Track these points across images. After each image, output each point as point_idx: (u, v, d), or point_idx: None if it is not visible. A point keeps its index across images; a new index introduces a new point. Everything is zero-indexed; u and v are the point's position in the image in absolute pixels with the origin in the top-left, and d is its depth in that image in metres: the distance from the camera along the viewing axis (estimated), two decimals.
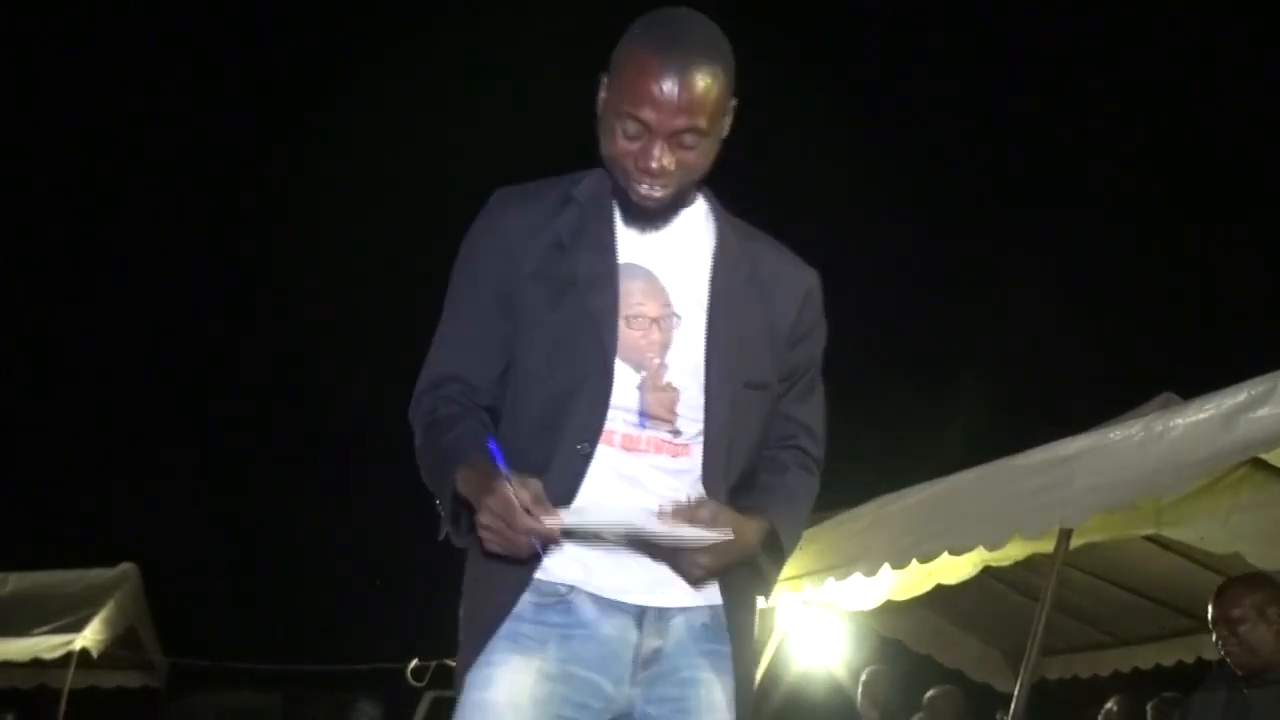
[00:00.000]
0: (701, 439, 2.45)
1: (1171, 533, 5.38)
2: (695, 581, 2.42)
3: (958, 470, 5.33)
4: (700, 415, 2.45)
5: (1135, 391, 5.93)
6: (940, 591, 6.37)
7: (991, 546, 5.06)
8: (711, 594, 2.48)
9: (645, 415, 2.43)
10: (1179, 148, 15.66)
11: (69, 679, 9.92)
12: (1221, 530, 5.17)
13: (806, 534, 6.18)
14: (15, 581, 10.25)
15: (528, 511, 2.24)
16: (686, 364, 2.46)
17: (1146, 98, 16.18)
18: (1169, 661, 7.83)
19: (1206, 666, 5.80)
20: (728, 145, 2.43)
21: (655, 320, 2.46)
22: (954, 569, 5.88)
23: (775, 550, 2.52)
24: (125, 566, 10.64)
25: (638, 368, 2.43)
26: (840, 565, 5.89)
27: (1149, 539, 6.04)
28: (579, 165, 2.55)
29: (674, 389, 2.45)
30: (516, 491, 2.25)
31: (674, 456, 2.44)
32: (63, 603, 9.92)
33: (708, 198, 2.58)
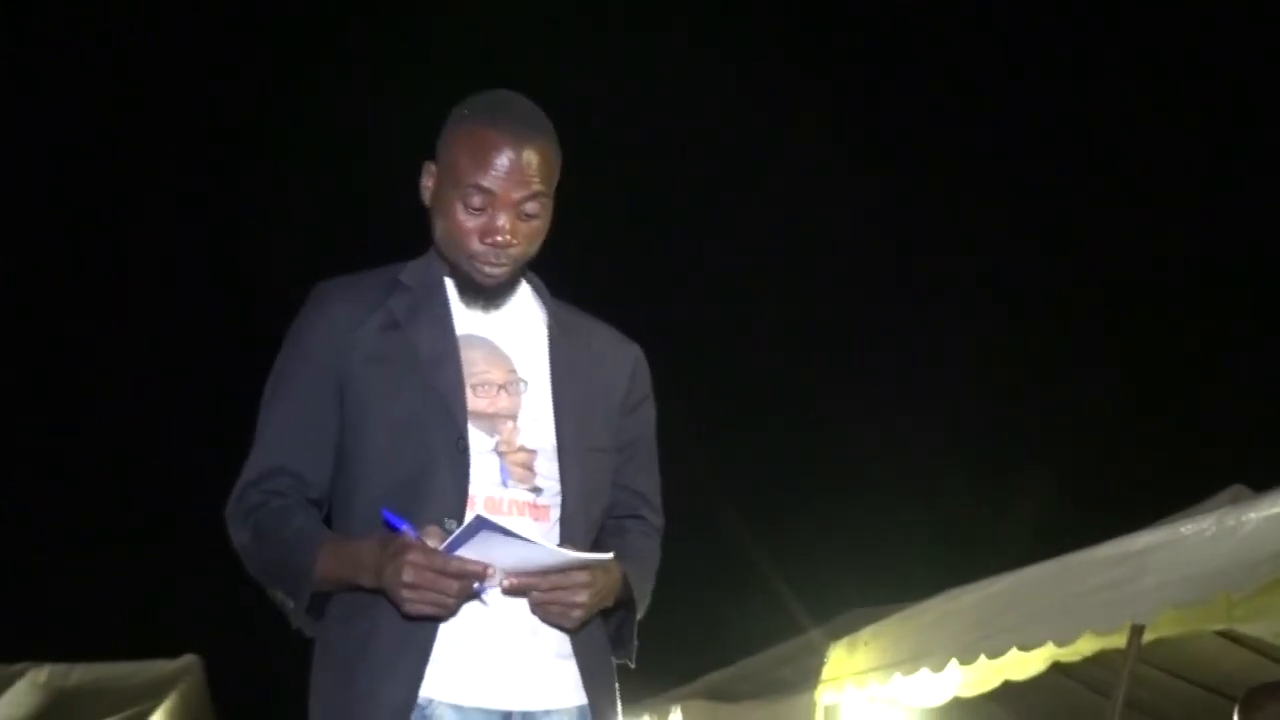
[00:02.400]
0: (559, 500, 2.46)
1: (1245, 628, 5.32)
2: (573, 625, 2.36)
3: (1024, 564, 5.27)
4: (556, 475, 2.46)
5: (1203, 482, 5.87)
6: (1009, 688, 6.26)
7: (1061, 642, 5.00)
8: (575, 694, 2.47)
9: (506, 475, 2.43)
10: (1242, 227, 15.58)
11: None
12: None
13: (872, 628, 6.31)
14: (79, 673, 10.26)
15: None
16: (538, 426, 2.47)
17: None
18: None
19: None
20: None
21: (502, 386, 2.48)
22: (1023, 665, 5.78)
23: (629, 603, 2.51)
24: (188, 658, 10.62)
25: (491, 432, 2.44)
26: (906, 661, 5.83)
27: (1221, 634, 5.95)
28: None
29: (529, 451, 2.46)
30: (427, 540, 2.23)
31: (535, 520, 2.44)
32: (125, 695, 9.91)
33: (532, 281, 2.63)
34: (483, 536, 2.19)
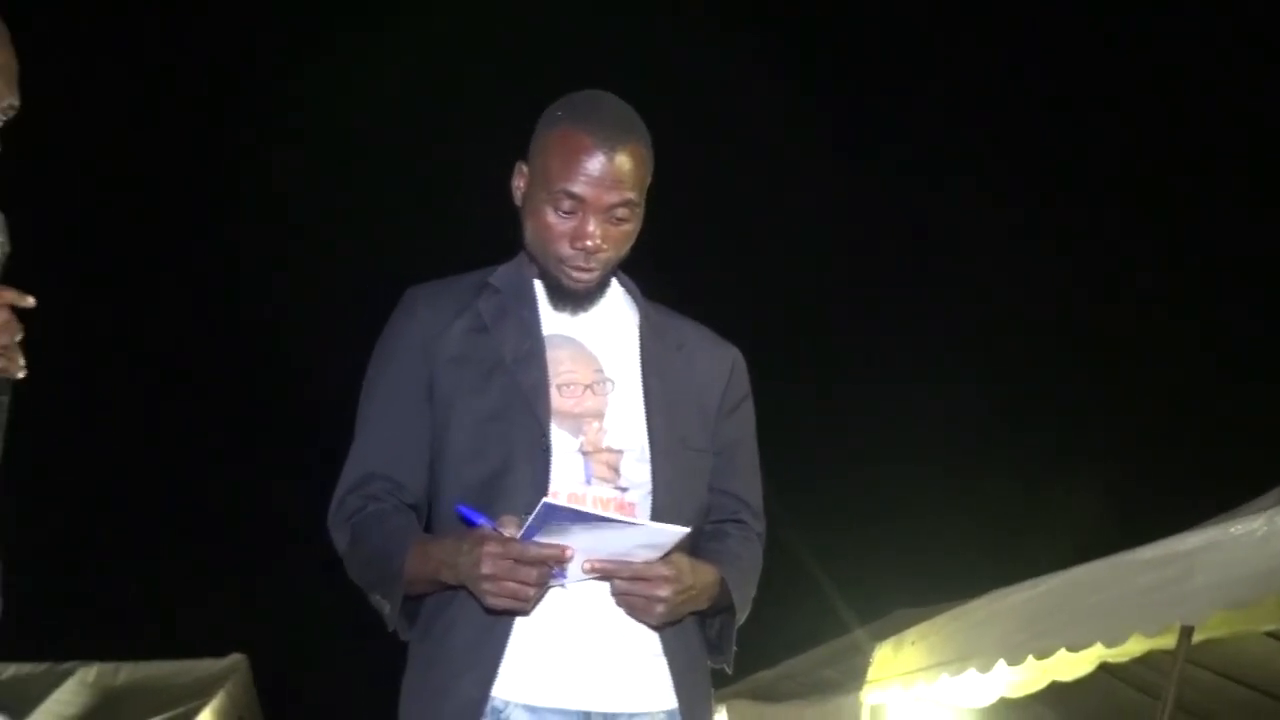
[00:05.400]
0: (649, 498, 2.43)
1: None
2: (656, 620, 2.34)
3: (1072, 564, 5.24)
4: (646, 474, 2.44)
5: (1253, 481, 5.80)
6: (1056, 689, 6.20)
7: (1110, 643, 4.95)
8: (665, 697, 2.43)
9: (590, 474, 2.42)
10: None
11: None
12: None
13: (919, 628, 6.29)
14: (127, 672, 10.33)
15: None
16: (626, 426, 2.46)
17: None
18: None
19: None
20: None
21: (588, 386, 2.47)
22: (1071, 665, 5.72)
23: (727, 606, 2.48)
24: (235, 657, 10.67)
25: (575, 433, 2.43)
26: (954, 661, 5.80)
27: (1272, 635, 5.90)
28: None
29: (616, 450, 2.44)
30: (503, 530, 2.23)
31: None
32: (173, 694, 9.96)
33: (624, 281, 2.63)
34: (556, 524, 2.18)
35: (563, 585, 2.29)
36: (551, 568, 2.22)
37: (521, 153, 2.53)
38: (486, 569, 2.20)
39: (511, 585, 2.21)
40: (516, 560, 2.20)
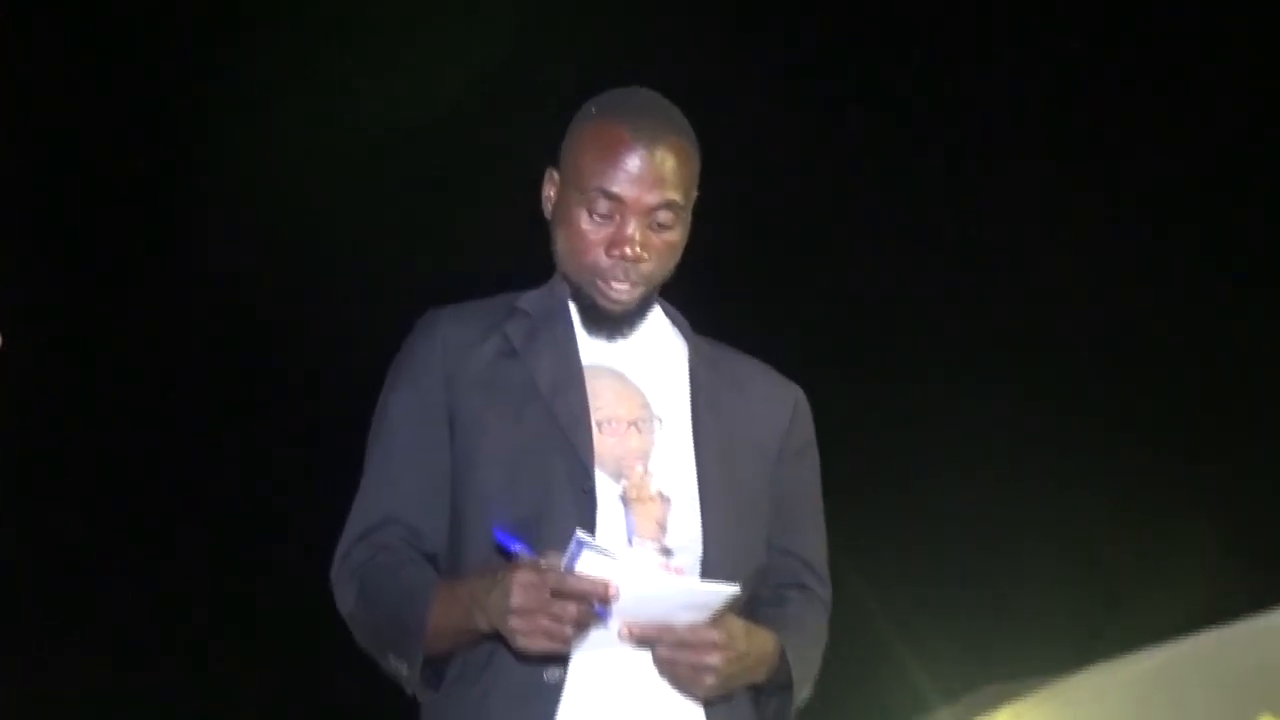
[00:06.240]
0: (699, 564, 2.12)
1: None
2: (704, 693, 2.05)
3: (1188, 631, 4.90)
4: (697, 531, 2.13)
5: None
6: None
7: None
8: None
9: (632, 530, 2.12)
10: None
11: None
12: None
13: (1011, 709, 5.83)
14: None
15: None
16: (674, 471, 2.16)
17: None
18: None
19: None
20: None
21: (632, 423, 2.19)
22: None
23: (786, 682, 2.18)
24: None
25: (617, 476, 2.13)
26: None
27: None
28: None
29: (663, 499, 2.14)
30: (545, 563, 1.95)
31: None
32: None
33: (668, 311, 2.35)
34: (589, 563, 1.93)
35: (605, 628, 1.99)
36: (593, 605, 1.94)
37: (552, 158, 2.28)
38: (516, 601, 1.92)
39: (545, 621, 1.93)
40: (553, 592, 1.92)
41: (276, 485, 6.67)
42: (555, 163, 2.26)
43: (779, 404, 2.37)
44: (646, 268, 2.18)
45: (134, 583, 6.72)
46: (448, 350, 2.24)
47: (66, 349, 6.61)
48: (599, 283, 2.18)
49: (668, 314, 2.34)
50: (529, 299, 2.30)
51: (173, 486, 6.89)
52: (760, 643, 2.11)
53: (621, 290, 2.19)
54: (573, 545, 1.91)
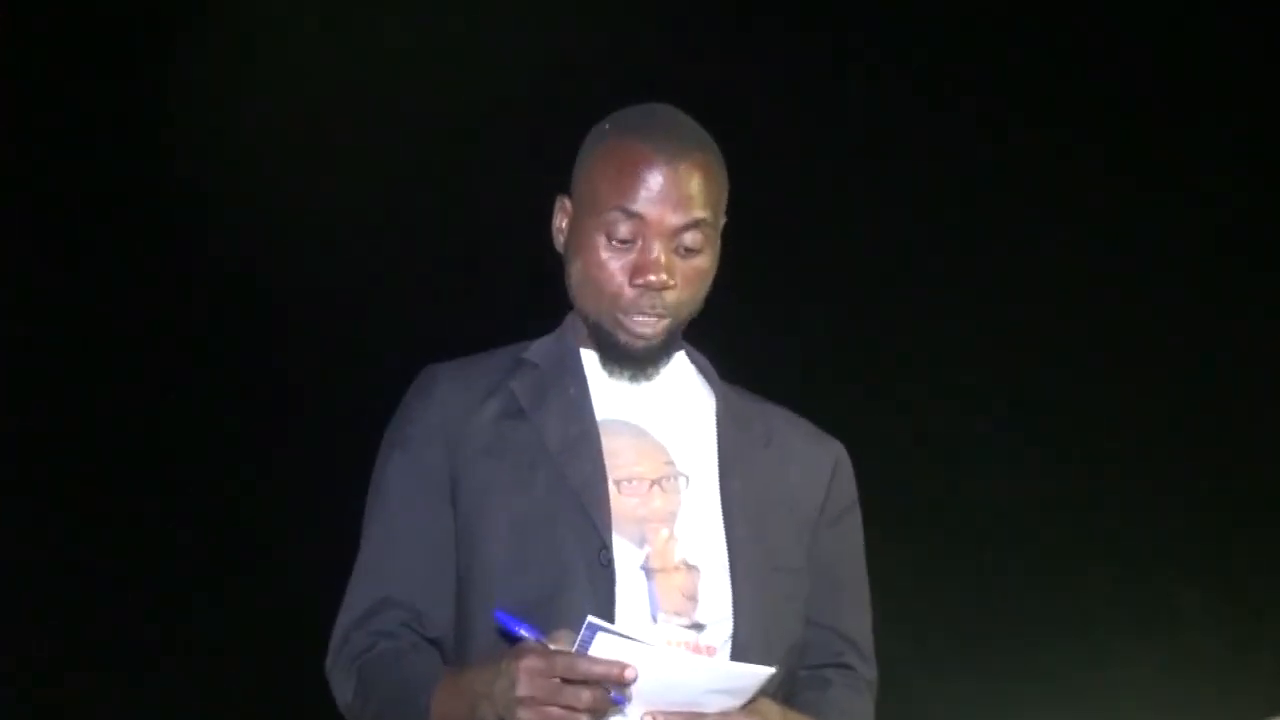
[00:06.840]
0: (730, 640, 1.94)
1: None
2: None
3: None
4: (728, 603, 1.95)
5: None
6: None
7: None
8: None
9: (656, 605, 1.93)
10: None
11: None
12: None
13: None
14: None
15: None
16: (701, 537, 1.98)
17: None
18: None
19: None
20: None
21: (655, 482, 2.00)
22: None
23: None
24: None
25: (639, 543, 1.95)
26: None
27: None
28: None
29: (690, 568, 1.96)
30: (553, 644, 1.77)
31: None
32: None
33: (693, 356, 2.17)
34: (605, 646, 1.76)
35: (624, 715, 1.83)
36: (609, 691, 1.76)
37: (562, 185, 2.10)
38: (523, 690, 1.73)
39: (556, 711, 1.73)
40: (564, 678, 1.73)
41: (277, 485, 6.56)
42: (566, 189, 2.10)
43: (817, 463, 2.20)
44: (673, 297, 2.01)
45: (134, 583, 6.60)
46: (448, 413, 2.07)
47: (66, 349, 6.52)
48: (620, 316, 2.01)
49: (693, 360, 2.18)
50: (537, 349, 2.14)
51: (173, 486, 6.78)
52: None
53: (646, 323, 2.02)
54: (585, 630, 1.76)
